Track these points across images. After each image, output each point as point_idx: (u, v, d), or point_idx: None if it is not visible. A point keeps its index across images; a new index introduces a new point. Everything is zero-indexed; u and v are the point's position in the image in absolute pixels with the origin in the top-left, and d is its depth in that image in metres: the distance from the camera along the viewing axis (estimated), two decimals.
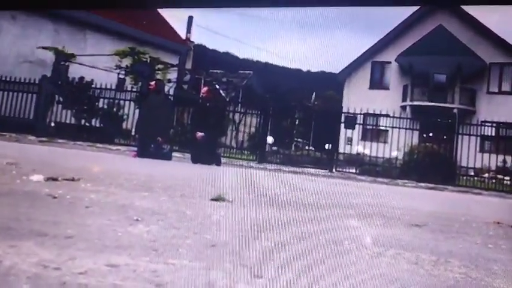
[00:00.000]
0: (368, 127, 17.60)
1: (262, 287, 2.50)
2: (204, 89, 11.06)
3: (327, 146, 16.01)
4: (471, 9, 19.45)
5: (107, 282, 2.26)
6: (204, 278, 2.52)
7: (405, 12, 20.11)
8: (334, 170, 14.00)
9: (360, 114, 15.42)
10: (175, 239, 3.26)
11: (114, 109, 15.89)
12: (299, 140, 19.60)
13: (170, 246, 3.12)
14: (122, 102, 15.75)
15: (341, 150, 16.16)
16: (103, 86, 15.70)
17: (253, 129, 16.61)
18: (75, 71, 16.88)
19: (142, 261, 2.67)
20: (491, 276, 2.98)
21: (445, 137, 15.72)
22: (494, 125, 16.50)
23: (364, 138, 17.32)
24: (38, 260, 2.53)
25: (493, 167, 15.05)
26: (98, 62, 17.61)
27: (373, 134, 17.50)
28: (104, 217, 3.72)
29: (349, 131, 16.18)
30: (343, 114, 15.80)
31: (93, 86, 15.88)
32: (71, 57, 17.24)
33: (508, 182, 13.95)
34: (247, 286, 2.48)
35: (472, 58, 19.19)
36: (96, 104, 15.85)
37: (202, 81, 18.87)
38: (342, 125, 15.83)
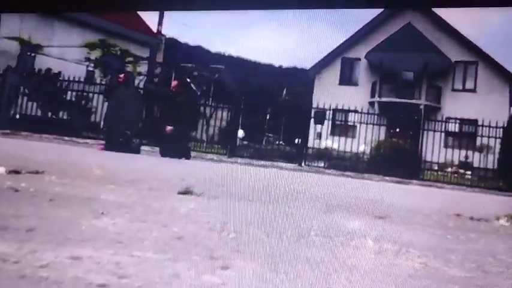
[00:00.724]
0: (337, 122, 17.85)
1: (228, 278, 2.53)
2: (174, 83, 10.97)
3: (296, 141, 16.19)
4: (439, 9, 19.94)
5: (69, 274, 2.24)
6: (170, 269, 2.53)
7: (376, 10, 20.44)
8: (303, 164, 14.17)
9: (329, 109, 15.66)
10: (141, 232, 3.25)
11: (83, 102, 15.58)
12: (270, 134, 19.70)
13: (136, 239, 3.10)
14: (90, 95, 15.46)
15: (310, 144, 16.35)
16: (71, 78, 15.36)
17: (224, 123, 16.59)
18: (42, 63, 16.43)
19: (106, 253, 2.66)
20: (449, 265, 3.10)
21: (411, 133, 16.13)
22: (458, 121, 17.06)
23: (332, 133, 17.56)
24: None
25: (456, 162, 15.56)
26: (66, 53, 17.19)
27: (342, 129, 17.77)
28: (68, 210, 3.66)
29: (318, 126, 16.40)
30: (312, 110, 16.02)
31: (60, 78, 15.52)
32: (38, 48, 16.78)
33: (469, 177, 14.47)
34: (212, 277, 2.50)
35: (439, 56, 19.71)
36: (64, 96, 15.49)
37: (173, 74, 18.67)
38: (312, 120, 16.04)
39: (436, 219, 4.97)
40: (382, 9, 20.42)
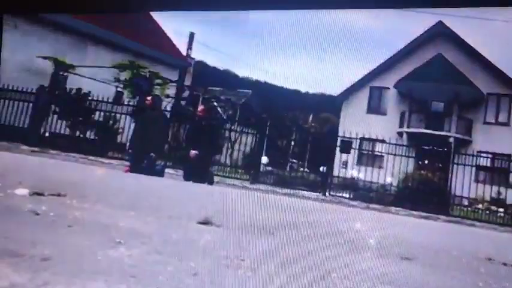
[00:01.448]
0: (363, 152, 17.56)
1: None
2: (200, 108, 11.01)
3: (321, 169, 15.96)
4: (470, 39, 19.65)
5: None
6: None
7: (405, 38, 20.28)
8: (327, 194, 13.91)
9: (356, 138, 15.43)
10: (157, 265, 3.16)
11: (110, 122, 15.81)
12: (294, 161, 19.53)
13: (150, 272, 3.02)
14: (118, 115, 15.69)
15: (335, 173, 16.08)
16: (100, 99, 15.65)
17: (248, 149, 16.54)
18: (73, 82, 16.84)
19: None
20: None
21: (440, 166, 15.69)
22: (490, 155, 16.53)
23: (359, 162, 17.26)
24: (8, 285, 2.43)
25: (488, 198, 15.00)
26: (96, 74, 17.58)
27: (369, 159, 17.45)
28: (85, 238, 3.61)
29: (344, 155, 16.16)
30: (339, 138, 15.81)
31: (90, 97, 15.83)
32: (71, 67, 17.22)
33: (502, 214, 13.89)
34: None
35: (470, 87, 19.30)
36: (92, 116, 15.77)
37: (201, 98, 18.86)
38: (338, 149, 15.82)
39: (466, 263, 4.71)
40: (413, 39, 20.29)
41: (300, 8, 1.37)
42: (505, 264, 4.80)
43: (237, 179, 13.86)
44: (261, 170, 15.76)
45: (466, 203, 14.58)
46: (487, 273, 4.37)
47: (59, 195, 5.05)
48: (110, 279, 2.73)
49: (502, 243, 7.58)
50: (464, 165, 14.46)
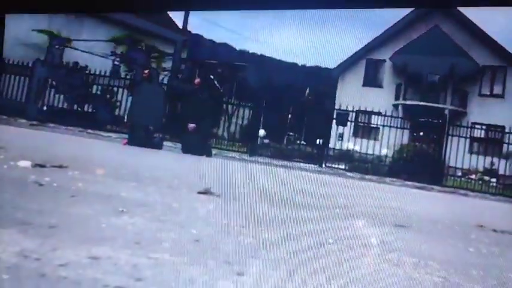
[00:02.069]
0: (360, 124, 17.68)
1: (243, 284, 2.52)
2: (196, 80, 11.03)
3: (318, 141, 16.09)
4: (467, 11, 19.51)
5: (87, 275, 2.28)
6: (186, 273, 2.54)
7: (402, 11, 20.13)
8: (323, 165, 14.08)
9: (352, 111, 15.52)
10: (160, 233, 3.27)
11: (108, 95, 15.81)
12: (291, 133, 19.64)
13: (154, 239, 3.13)
14: (115, 89, 15.69)
15: (332, 145, 16.23)
16: (97, 72, 15.61)
17: (245, 122, 16.60)
18: (70, 56, 16.73)
19: (124, 254, 2.69)
20: (469, 281, 3.03)
21: (435, 137, 15.85)
22: (484, 127, 16.69)
23: (355, 134, 17.39)
24: (20, 250, 2.53)
25: (481, 169, 15.23)
26: (93, 47, 17.45)
27: (365, 131, 17.60)
28: (89, 207, 3.72)
29: (340, 127, 16.28)
30: (335, 111, 15.90)
31: (87, 71, 15.79)
32: (67, 41, 17.08)
33: (494, 184, 14.14)
34: (228, 283, 2.50)
35: (466, 59, 19.29)
36: (90, 89, 15.76)
37: (197, 71, 18.79)
38: (334, 121, 15.93)
39: (458, 230, 4.88)
40: (409, 11, 20.13)
41: (303, 7, 1.40)
42: (495, 230, 4.97)
43: (235, 151, 13.98)
44: (258, 142, 15.88)
45: (459, 173, 14.81)
46: (478, 239, 4.53)
47: (60, 167, 5.15)
48: (115, 245, 2.84)
49: (493, 212, 7.78)
50: (459, 136, 14.64)
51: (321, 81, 22.45)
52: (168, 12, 21.19)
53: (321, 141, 15.89)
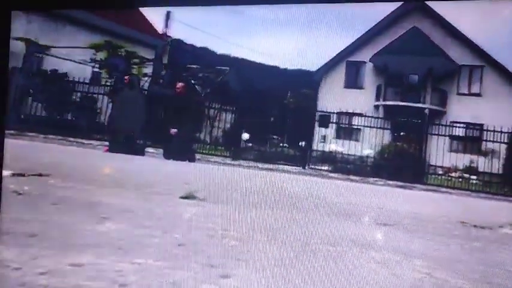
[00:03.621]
0: (342, 126, 17.82)
1: (228, 286, 2.52)
2: (179, 85, 10.96)
3: (301, 144, 16.16)
4: (444, 12, 19.84)
5: (69, 282, 2.24)
6: (170, 278, 2.52)
7: (381, 13, 20.37)
8: (307, 167, 14.15)
9: (334, 113, 15.67)
10: (143, 238, 3.25)
11: (88, 103, 15.63)
12: (274, 136, 19.68)
13: (137, 245, 3.10)
14: (95, 96, 15.52)
15: (315, 147, 16.32)
16: (77, 79, 15.42)
17: (228, 126, 16.58)
18: (48, 63, 16.50)
19: (107, 260, 2.66)
20: (453, 276, 3.07)
21: (415, 137, 16.06)
22: (463, 125, 17.00)
23: (337, 136, 17.53)
24: None
25: (461, 167, 15.48)
26: (72, 54, 17.24)
27: (347, 132, 17.73)
28: (71, 215, 3.67)
29: (323, 129, 16.40)
30: (317, 113, 16.03)
31: (66, 78, 15.59)
32: (45, 48, 16.85)
33: (475, 181, 14.39)
34: (212, 286, 2.49)
35: (444, 60, 19.60)
36: (69, 97, 15.56)
37: (179, 76, 18.70)
38: (316, 123, 16.06)
39: (440, 227, 4.94)
40: (388, 12, 20.39)
41: (293, 2, 1.40)
42: (475, 226, 5.05)
43: (218, 155, 13.95)
44: (241, 146, 15.87)
45: (440, 172, 15.03)
46: (460, 235, 4.60)
47: (40, 175, 5.07)
48: (98, 251, 2.81)
49: (474, 208, 7.91)
50: (439, 135, 14.90)
51: (303, 84, 22.55)
52: (147, 17, 21.07)
53: (304, 143, 15.98)
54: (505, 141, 14.71)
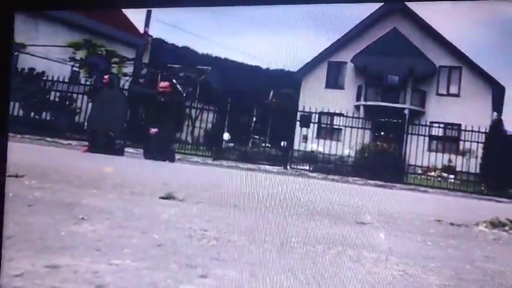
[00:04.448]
0: (323, 126, 17.97)
1: (206, 286, 2.52)
2: (164, 84, 10.86)
3: (282, 144, 16.25)
4: (423, 12, 20.16)
5: (45, 284, 2.22)
6: (148, 278, 2.51)
7: (362, 14, 20.58)
8: (288, 167, 14.23)
9: (315, 113, 15.79)
10: (121, 239, 3.23)
11: (67, 102, 15.42)
12: (256, 136, 19.72)
13: (115, 246, 3.08)
14: (74, 95, 15.32)
15: (296, 147, 16.42)
16: (55, 78, 15.20)
17: (209, 125, 16.55)
18: (25, 62, 16.22)
19: (84, 261, 2.63)
20: (427, 273, 3.13)
21: (395, 137, 16.30)
22: (442, 125, 17.33)
23: (318, 136, 17.67)
24: None
25: (440, 166, 15.77)
26: (50, 53, 16.98)
27: (327, 132, 17.88)
28: (48, 216, 3.62)
29: (304, 129, 16.52)
30: (298, 113, 16.13)
31: (44, 77, 15.35)
32: (21, 47, 16.55)
33: (452, 180, 14.68)
34: (191, 286, 2.49)
35: (424, 61, 19.92)
36: (47, 96, 15.32)
37: (159, 75, 18.59)
38: (298, 123, 16.17)
39: (417, 225, 5.03)
40: (368, 15, 20.62)
41: (282, 3, 1.41)
42: (452, 224, 5.15)
43: (199, 156, 13.91)
44: (223, 146, 15.86)
45: (419, 171, 15.28)
46: (436, 233, 4.69)
47: (16, 176, 4.98)
48: (75, 253, 2.78)
49: (451, 206, 8.07)
50: (418, 135, 15.15)
51: (285, 84, 22.64)
52: (128, 16, 20.88)
53: (286, 143, 16.06)
54: (482, 141, 15.03)
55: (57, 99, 15.37)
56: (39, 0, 1.70)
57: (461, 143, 16.19)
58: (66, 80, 15.87)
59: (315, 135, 17.28)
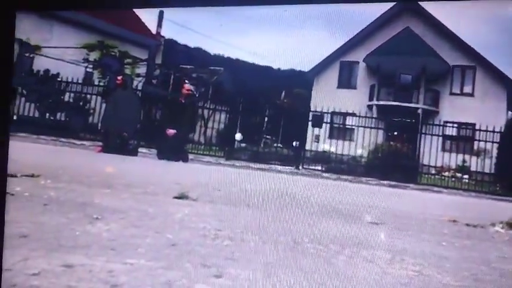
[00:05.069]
0: (335, 125, 17.91)
1: (221, 286, 2.52)
2: (190, 87, 10.92)
3: (294, 144, 16.20)
4: (436, 11, 19.98)
5: (61, 283, 2.24)
6: (162, 278, 2.52)
7: (374, 13, 20.46)
8: (300, 167, 14.19)
9: (328, 113, 15.73)
10: (135, 238, 3.24)
11: (81, 103, 15.59)
12: (268, 136, 19.71)
13: (129, 245, 3.10)
14: (88, 96, 15.48)
15: (308, 147, 16.38)
16: (69, 80, 15.37)
17: (222, 126, 16.58)
18: (40, 63, 16.42)
19: (99, 261, 2.65)
20: (442, 274, 3.09)
21: (408, 136, 16.17)
22: (455, 125, 17.15)
23: (331, 136, 17.61)
24: None
25: (454, 166, 15.60)
26: (64, 54, 17.16)
27: (340, 132, 17.81)
28: (62, 215, 3.65)
29: (316, 129, 16.47)
30: (310, 113, 16.09)
31: (59, 79, 15.53)
32: (36, 49, 16.76)
33: (467, 180, 14.50)
34: (205, 286, 2.49)
35: (437, 60, 19.74)
36: (62, 97, 15.51)
37: (172, 76, 18.69)
38: (310, 123, 16.12)
39: (432, 225, 4.98)
40: (380, 14, 20.48)
41: (289, 3, 1.40)
42: (467, 225, 5.09)
43: (212, 156, 13.95)
44: (235, 146, 15.88)
45: (433, 171, 15.13)
46: (451, 233, 4.63)
47: (32, 176, 5.04)
48: (89, 252, 2.80)
49: (466, 207, 7.97)
50: (432, 135, 15.00)
51: (296, 84, 22.60)
52: (141, 17, 21.03)
53: (298, 143, 16.02)
54: (497, 140, 14.83)
55: (71, 100, 15.54)
56: (41, 0, 1.71)
57: (475, 142, 16.01)
58: (80, 81, 16.04)
59: (327, 135, 17.23)
